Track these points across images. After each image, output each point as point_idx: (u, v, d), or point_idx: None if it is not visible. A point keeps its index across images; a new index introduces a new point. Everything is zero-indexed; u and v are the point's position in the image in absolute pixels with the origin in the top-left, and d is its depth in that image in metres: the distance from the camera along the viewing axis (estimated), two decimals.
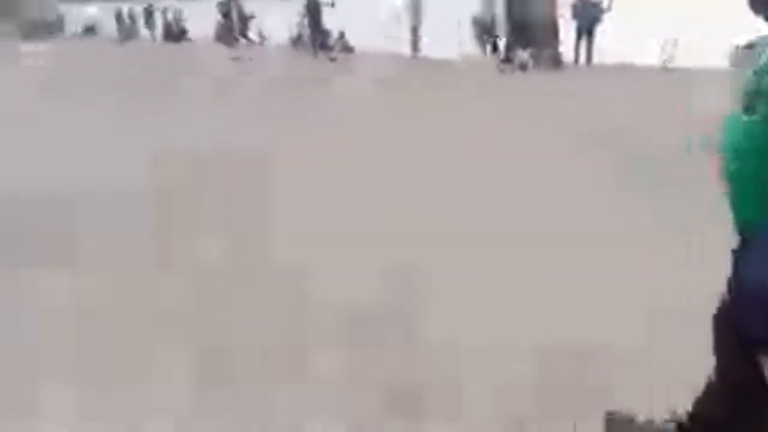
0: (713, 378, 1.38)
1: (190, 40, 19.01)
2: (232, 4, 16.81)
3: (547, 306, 2.61)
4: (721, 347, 1.30)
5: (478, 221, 3.76)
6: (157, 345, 2.39)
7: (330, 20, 15.82)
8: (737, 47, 11.87)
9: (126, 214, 3.93)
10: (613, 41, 12.90)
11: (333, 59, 14.40)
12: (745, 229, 1.12)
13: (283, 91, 9.43)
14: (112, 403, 1.99)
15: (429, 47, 15.12)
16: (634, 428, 1.64)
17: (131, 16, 22.32)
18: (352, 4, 15.15)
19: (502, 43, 13.42)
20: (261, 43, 17.97)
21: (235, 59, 13.95)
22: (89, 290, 2.86)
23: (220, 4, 16.85)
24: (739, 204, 1.14)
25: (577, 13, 13.12)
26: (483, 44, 14.26)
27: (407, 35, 15.81)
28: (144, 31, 21.98)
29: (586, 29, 13.06)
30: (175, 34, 19.57)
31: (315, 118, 7.22)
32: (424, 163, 5.09)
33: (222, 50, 15.66)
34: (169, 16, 20.89)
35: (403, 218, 3.85)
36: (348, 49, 16.02)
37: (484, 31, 14.17)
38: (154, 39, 21.14)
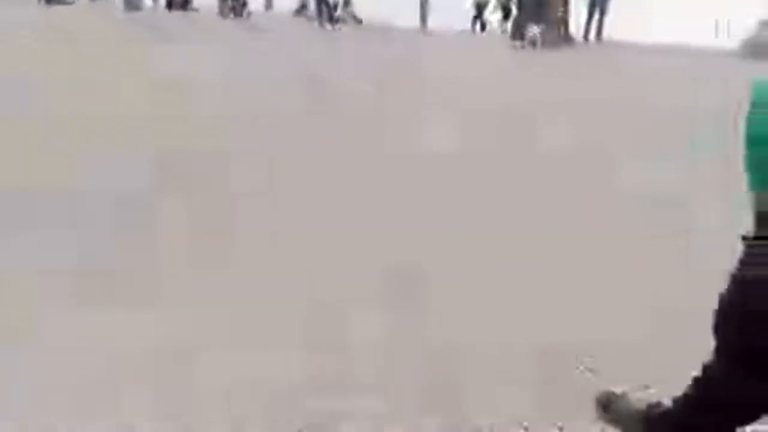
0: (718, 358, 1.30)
1: (196, 10, 18.70)
2: None
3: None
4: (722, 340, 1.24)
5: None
6: None
7: None
8: (761, 22, 11.82)
9: None
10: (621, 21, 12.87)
11: (338, 29, 14.23)
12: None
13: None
14: None
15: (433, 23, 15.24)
16: (627, 402, 1.62)
17: None
18: None
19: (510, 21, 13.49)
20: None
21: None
22: None
23: None
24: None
25: None
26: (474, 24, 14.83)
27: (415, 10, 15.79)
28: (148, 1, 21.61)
29: (599, 6, 12.97)
30: (180, 2, 19.22)
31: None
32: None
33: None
34: None
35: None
36: (356, 19, 15.86)
37: (502, 8, 14.51)
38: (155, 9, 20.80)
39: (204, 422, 1.74)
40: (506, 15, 14.80)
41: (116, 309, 2.25)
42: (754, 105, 1.08)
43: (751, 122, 1.08)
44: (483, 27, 15.98)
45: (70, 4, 16.29)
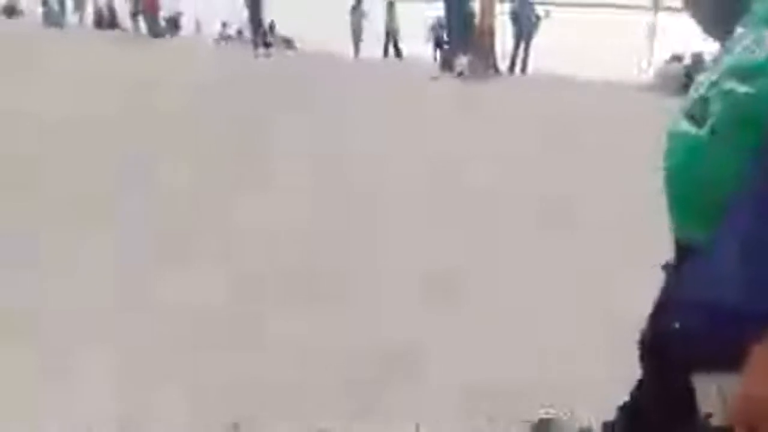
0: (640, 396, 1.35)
1: (124, 30, 18.23)
2: None
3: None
4: (650, 370, 1.27)
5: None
6: None
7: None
8: (665, 61, 12.52)
9: None
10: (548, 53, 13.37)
11: (269, 55, 14.13)
12: (687, 244, 1.09)
13: None
14: None
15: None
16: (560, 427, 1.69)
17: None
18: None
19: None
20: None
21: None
22: None
23: None
24: (681, 218, 1.11)
25: (515, 19, 13.43)
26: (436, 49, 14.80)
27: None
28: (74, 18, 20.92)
29: (524, 38, 13.38)
30: (108, 21, 18.68)
31: None
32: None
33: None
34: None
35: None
36: (288, 44, 15.81)
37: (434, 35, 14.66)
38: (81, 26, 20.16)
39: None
40: (437, 43, 15.03)
41: None
42: (669, 136, 1.13)
43: (665, 155, 1.13)
44: (398, 54, 15.85)
45: None
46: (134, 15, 17.25)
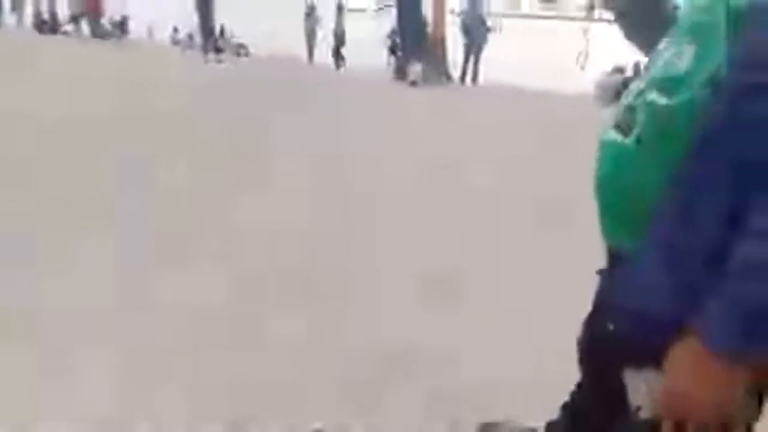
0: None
1: (65, 32, 17.64)
2: None
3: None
4: (588, 371, 1.32)
5: None
6: None
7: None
8: (606, 73, 13.06)
9: None
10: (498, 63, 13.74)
11: (220, 61, 13.97)
12: (617, 252, 1.12)
13: None
14: None
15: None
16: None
17: None
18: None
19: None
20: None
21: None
22: None
23: None
24: (610, 226, 1.13)
25: (466, 30, 13.75)
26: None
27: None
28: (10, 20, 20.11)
29: (474, 48, 13.72)
30: (50, 25, 18.00)
31: None
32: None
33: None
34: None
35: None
36: (240, 49, 15.66)
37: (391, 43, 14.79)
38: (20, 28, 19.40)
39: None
40: (392, 50, 15.16)
41: None
42: (600, 145, 1.14)
43: (597, 163, 1.14)
44: (338, 60, 15.93)
45: None
46: (75, 19, 16.78)
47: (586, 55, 18.00)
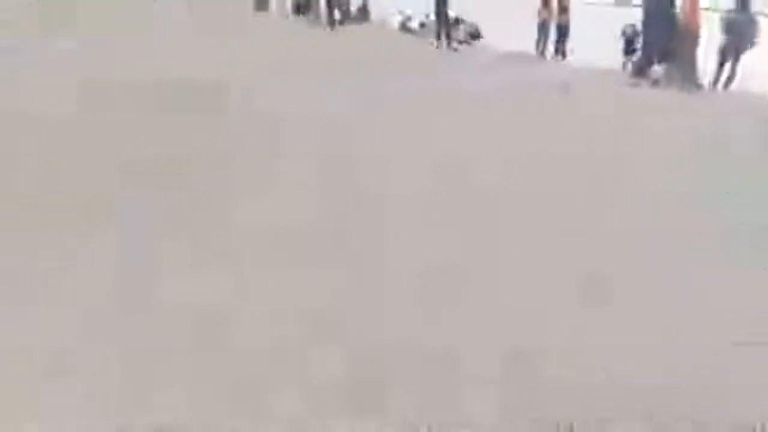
0: None
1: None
2: None
3: None
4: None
5: None
6: None
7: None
8: None
9: None
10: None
11: (455, 49, 14.11)
12: None
13: None
14: None
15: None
16: None
17: None
18: None
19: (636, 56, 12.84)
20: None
21: None
22: None
23: None
24: None
25: (728, 29, 12.16)
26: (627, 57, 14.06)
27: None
28: None
29: (734, 50, 12.11)
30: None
31: None
32: None
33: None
34: None
35: None
36: (474, 36, 15.72)
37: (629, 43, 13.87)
38: None
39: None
40: (628, 46, 14.01)
41: None
42: None
43: None
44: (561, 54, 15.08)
45: None
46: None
47: None
